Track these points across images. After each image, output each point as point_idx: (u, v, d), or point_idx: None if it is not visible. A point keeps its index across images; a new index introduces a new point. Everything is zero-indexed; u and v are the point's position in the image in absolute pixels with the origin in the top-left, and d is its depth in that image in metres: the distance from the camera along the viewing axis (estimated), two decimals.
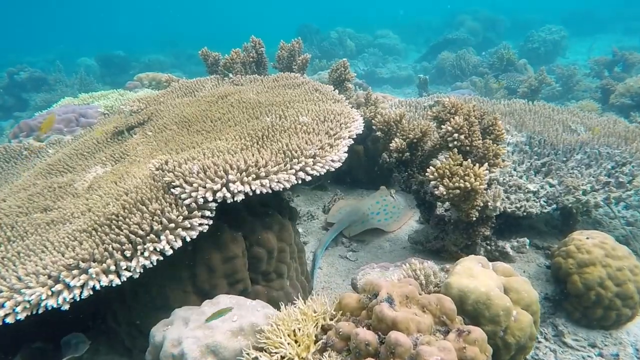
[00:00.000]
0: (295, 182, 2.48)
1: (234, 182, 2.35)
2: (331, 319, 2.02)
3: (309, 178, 2.54)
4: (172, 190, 2.43)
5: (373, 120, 3.70)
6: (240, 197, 2.35)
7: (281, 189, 2.44)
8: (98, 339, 2.74)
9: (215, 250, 2.58)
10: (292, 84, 4.18)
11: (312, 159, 2.59)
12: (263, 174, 2.41)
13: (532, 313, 2.29)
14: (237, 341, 2.08)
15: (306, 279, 3.21)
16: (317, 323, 2.00)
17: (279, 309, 2.49)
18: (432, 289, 2.40)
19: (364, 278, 2.73)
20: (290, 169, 2.50)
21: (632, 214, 4.47)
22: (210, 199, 2.33)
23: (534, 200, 3.46)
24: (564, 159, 3.96)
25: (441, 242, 3.43)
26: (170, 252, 2.23)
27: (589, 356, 2.87)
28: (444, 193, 2.71)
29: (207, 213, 2.36)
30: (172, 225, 2.25)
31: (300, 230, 4.45)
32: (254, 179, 2.39)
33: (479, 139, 2.95)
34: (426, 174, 2.88)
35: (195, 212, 2.33)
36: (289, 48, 5.02)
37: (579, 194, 3.44)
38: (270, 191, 2.41)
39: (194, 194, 2.32)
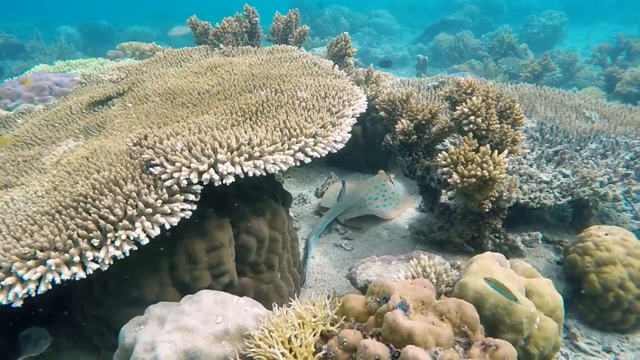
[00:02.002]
0: (293, 164, 2.17)
1: (223, 163, 2.03)
2: (332, 324, 1.75)
3: (308, 160, 2.23)
4: (150, 169, 2.10)
5: (376, 99, 3.38)
6: (230, 180, 2.03)
7: (277, 172, 2.12)
8: (62, 333, 2.44)
9: (198, 237, 2.27)
10: (289, 57, 3.81)
11: (313, 139, 2.28)
12: (257, 153, 2.09)
13: (557, 319, 2.04)
14: (221, 347, 1.79)
15: (298, 270, 2.93)
16: (316, 329, 1.72)
17: (268, 304, 2.21)
18: (443, 289, 2.13)
19: (364, 272, 2.45)
20: (288, 149, 2.18)
21: (639, 209, 4.27)
22: (195, 180, 2.01)
23: (547, 191, 3.20)
24: (578, 147, 3.71)
25: (445, 233, 3.16)
26: (147, 241, 1.91)
27: None
28: (458, 181, 2.43)
29: (191, 197, 2.04)
30: (150, 210, 1.93)
31: (291, 215, 4.15)
32: (246, 160, 2.07)
33: (496, 123, 2.66)
34: (437, 158, 2.59)
35: (177, 196, 2.01)
36: (285, 19, 4.63)
37: (596, 185, 3.19)
38: (264, 173, 2.09)
39: (176, 175, 2.00)
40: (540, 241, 3.06)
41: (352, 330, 1.63)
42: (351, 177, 4.92)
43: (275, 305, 1.89)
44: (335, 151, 2.34)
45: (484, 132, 2.62)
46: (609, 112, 4.12)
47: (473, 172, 2.35)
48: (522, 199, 3.02)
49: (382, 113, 3.27)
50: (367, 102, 3.03)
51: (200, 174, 2.00)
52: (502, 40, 10.23)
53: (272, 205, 2.55)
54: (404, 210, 4.13)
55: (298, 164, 2.20)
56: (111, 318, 2.27)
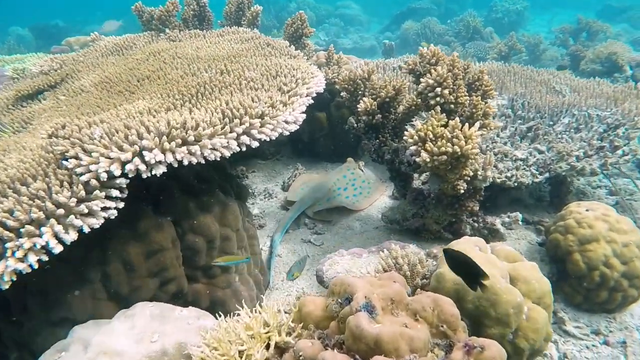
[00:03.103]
0: (237, 148, 1.86)
1: (150, 150, 1.70)
2: (289, 334, 1.46)
3: (255, 144, 1.92)
4: (64, 163, 1.75)
5: (337, 79, 3.10)
6: (160, 170, 1.71)
7: (218, 159, 1.81)
8: None
9: (134, 240, 1.94)
10: (240, 38, 3.50)
11: (260, 120, 1.97)
12: (192, 138, 1.78)
13: (545, 307, 1.81)
14: None
15: (261, 272, 2.62)
16: (269, 341, 1.43)
17: (226, 312, 1.91)
18: (419, 282, 1.87)
19: (331, 269, 2.18)
20: (230, 132, 1.87)
21: (614, 183, 4.15)
22: (117, 173, 1.68)
23: (524, 168, 3.00)
24: (551, 122, 3.53)
25: (420, 220, 2.92)
26: (59, 249, 1.57)
27: (593, 345, 2.48)
28: (427, 160, 2.18)
29: (115, 193, 1.71)
30: (62, 211, 1.59)
31: (256, 211, 3.84)
32: (179, 146, 1.75)
33: (465, 95, 2.42)
34: (404, 137, 2.33)
35: (97, 192, 1.68)
36: (236, 1, 4.29)
37: (573, 160, 3.01)
38: (202, 161, 1.78)
39: (93, 167, 1.66)
40: (520, 222, 2.85)
41: (310, 340, 1.35)
42: (319, 168, 4.65)
43: (220, 315, 1.58)
44: (288, 133, 2.04)
45: (452, 106, 2.37)
46: (579, 86, 3.97)
47: (443, 148, 2.10)
48: (498, 178, 2.80)
49: (343, 93, 2.99)
50: (328, 87, 2.78)
51: (122, 164, 1.67)
52: (467, 25, 10.14)
53: (221, 198, 2.24)
54: (376, 199, 3.89)
55: (244, 148, 1.89)
56: (35, 343, 1.92)
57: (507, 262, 1.90)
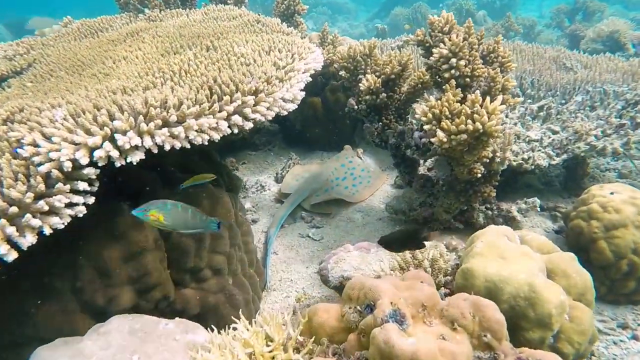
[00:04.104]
0: (228, 130, 1.59)
1: (124, 133, 1.42)
2: (297, 350, 1.20)
3: (249, 125, 1.65)
4: (19, 151, 1.47)
5: (334, 58, 2.82)
6: (136, 157, 1.43)
7: (206, 143, 1.54)
8: None
9: (110, 242, 1.67)
10: (227, 15, 3.20)
11: (253, 97, 1.70)
12: (174, 118, 1.49)
13: (587, 304, 1.58)
14: None
15: (257, 272, 2.36)
16: None
17: (219, 320, 1.66)
18: (441, 279, 1.63)
19: (337, 267, 1.92)
20: (220, 111, 1.59)
21: (622, 165, 3.95)
22: (85, 161, 1.39)
23: (539, 150, 2.77)
24: (563, 101, 3.31)
25: (429, 210, 2.68)
26: (14, 255, 1.29)
27: (621, 340, 2.26)
28: (444, 141, 1.92)
29: (83, 185, 1.42)
30: (15, 209, 1.31)
31: (248, 205, 3.57)
32: (158, 127, 1.47)
33: (482, 67, 2.17)
34: (415, 116, 2.08)
35: (60, 186, 1.39)
36: None
37: (592, 139, 2.78)
38: (187, 145, 1.50)
39: (54, 155, 1.38)
40: (538, 208, 2.62)
41: (325, 358, 1.09)
42: (314, 157, 4.38)
43: (212, 330, 1.32)
44: (285, 112, 1.77)
45: (467, 80, 2.11)
46: (590, 62, 3.75)
47: (462, 126, 1.85)
48: (514, 160, 2.56)
49: (342, 72, 2.72)
50: (322, 70, 2.51)
51: (91, 150, 1.39)
52: (460, 8, 9.90)
53: (211, 190, 1.96)
54: (378, 188, 3.64)
55: (236, 130, 1.62)
56: None
57: (541, 253, 1.66)
